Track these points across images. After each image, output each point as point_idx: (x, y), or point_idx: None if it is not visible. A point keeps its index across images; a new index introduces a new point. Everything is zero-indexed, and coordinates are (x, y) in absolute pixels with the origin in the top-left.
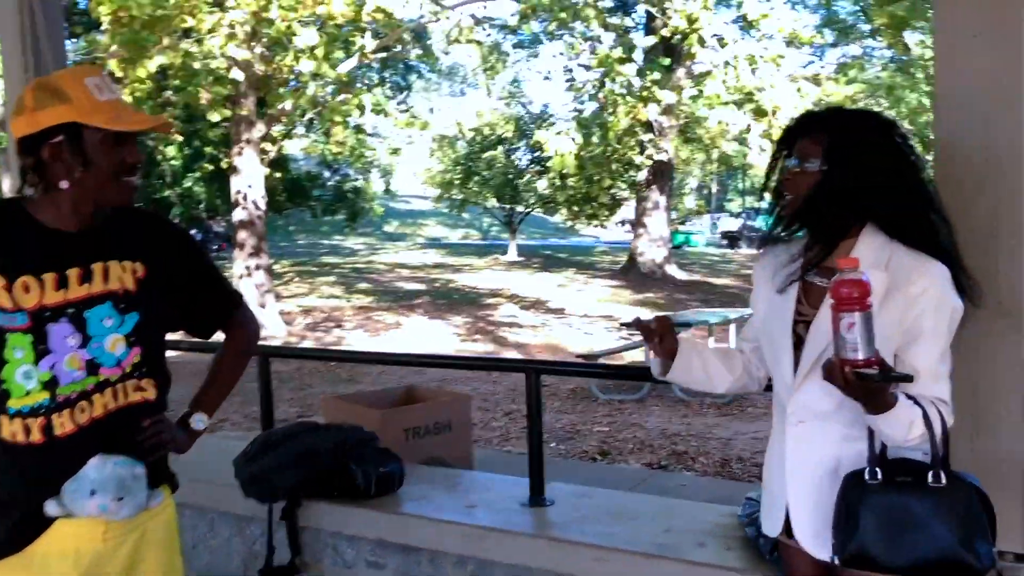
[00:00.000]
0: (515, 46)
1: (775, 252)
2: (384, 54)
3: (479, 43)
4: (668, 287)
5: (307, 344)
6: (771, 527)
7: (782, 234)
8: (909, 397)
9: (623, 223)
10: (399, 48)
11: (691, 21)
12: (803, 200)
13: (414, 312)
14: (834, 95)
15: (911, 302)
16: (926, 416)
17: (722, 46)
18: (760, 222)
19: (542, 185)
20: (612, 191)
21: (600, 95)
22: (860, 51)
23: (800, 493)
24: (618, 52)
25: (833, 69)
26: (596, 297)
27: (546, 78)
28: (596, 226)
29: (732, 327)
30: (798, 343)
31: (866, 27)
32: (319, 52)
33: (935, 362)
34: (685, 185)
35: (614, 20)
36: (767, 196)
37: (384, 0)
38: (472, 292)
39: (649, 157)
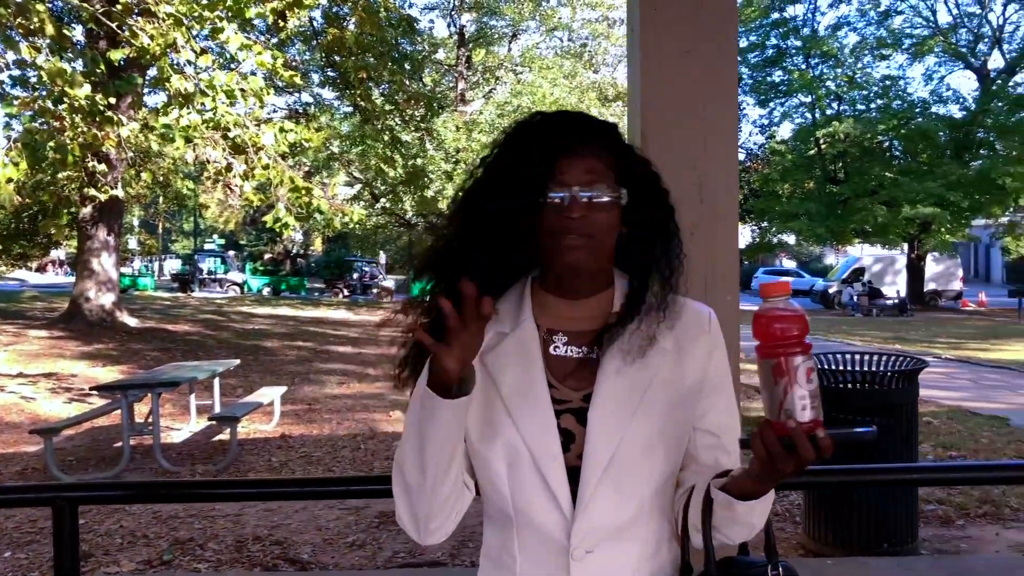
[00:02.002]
0: None
1: None
2: None
3: None
4: (120, 336)
5: None
6: None
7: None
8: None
9: (55, 263)
10: None
11: (167, 44)
12: (608, 245)
13: None
14: (313, 139)
15: (708, 353)
16: None
17: (197, 74)
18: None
19: None
20: (51, 229)
21: (55, 114)
22: (311, 99)
23: None
24: (78, 66)
25: (284, 114)
26: (32, 351)
27: None
28: (23, 268)
29: (216, 382)
30: (564, 444)
31: (316, 76)
32: None
33: (737, 420)
34: (129, 223)
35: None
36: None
37: None
38: None
39: (104, 190)
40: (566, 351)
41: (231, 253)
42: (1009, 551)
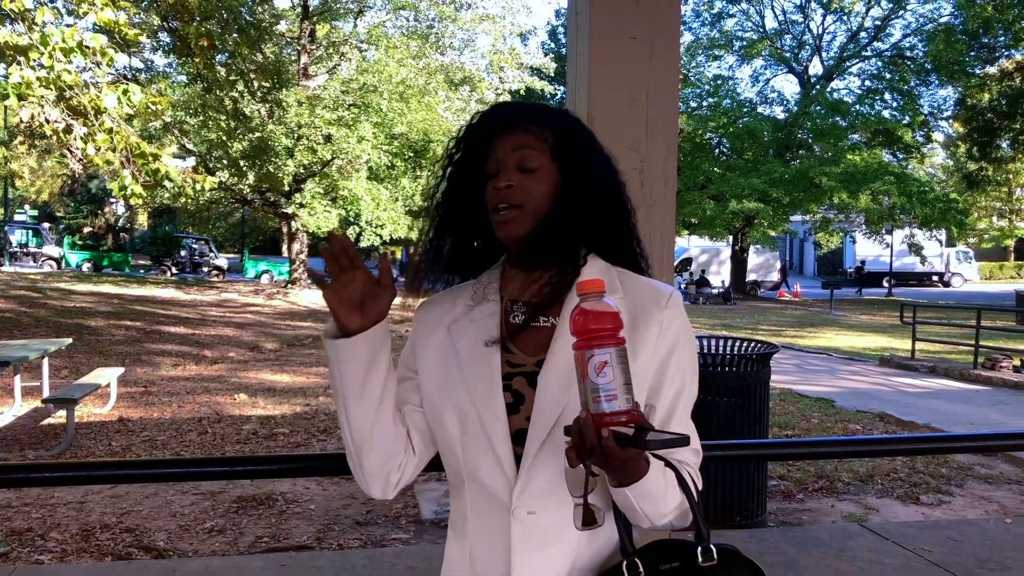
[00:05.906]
0: None
1: (443, 293)
2: None
3: None
4: None
5: None
6: None
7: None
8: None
9: None
10: None
11: None
12: (545, 213)
13: None
14: (161, 102)
15: (663, 333)
16: (680, 479)
17: (31, 29)
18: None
19: None
20: None
21: None
22: (141, 65)
23: None
24: None
25: (112, 79)
26: None
27: None
28: None
29: (45, 362)
30: (513, 406)
31: (145, 41)
32: None
33: (688, 408)
34: None
35: None
36: (444, 215)
37: None
38: None
39: None
40: (525, 320)
41: (46, 225)
42: (844, 520)
